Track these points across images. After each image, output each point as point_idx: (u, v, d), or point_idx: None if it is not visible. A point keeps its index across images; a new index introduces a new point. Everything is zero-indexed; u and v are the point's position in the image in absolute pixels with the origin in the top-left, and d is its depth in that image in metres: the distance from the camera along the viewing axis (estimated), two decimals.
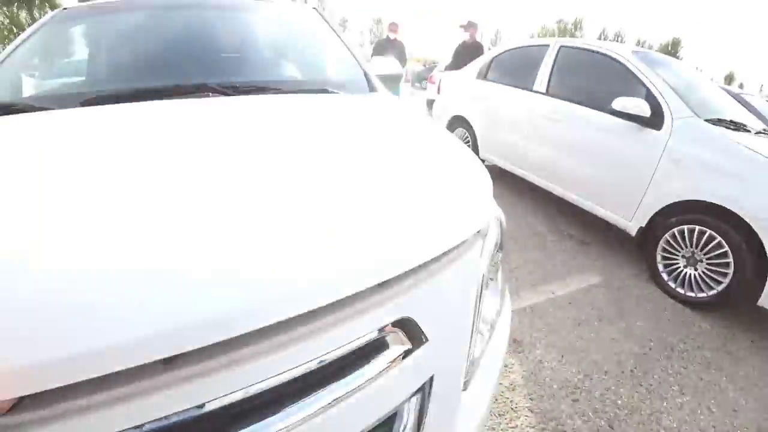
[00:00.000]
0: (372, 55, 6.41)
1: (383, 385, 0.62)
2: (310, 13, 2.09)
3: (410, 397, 0.67)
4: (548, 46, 3.62)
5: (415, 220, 0.74)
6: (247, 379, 0.51)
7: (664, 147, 2.49)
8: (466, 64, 4.68)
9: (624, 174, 2.73)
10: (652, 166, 2.54)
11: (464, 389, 0.78)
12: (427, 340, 0.67)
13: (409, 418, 0.67)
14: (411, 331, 0.66)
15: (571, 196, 3.18)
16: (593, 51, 3.25)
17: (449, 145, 1.11)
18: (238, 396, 0.51)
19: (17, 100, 1.30)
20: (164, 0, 1.89)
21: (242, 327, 0.51)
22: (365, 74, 1.69)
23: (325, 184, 0.79)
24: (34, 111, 1.15)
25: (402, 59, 6.51)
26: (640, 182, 2.61)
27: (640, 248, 2.78)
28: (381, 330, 0.63)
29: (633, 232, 2.69)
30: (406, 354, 0.65)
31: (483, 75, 4.34)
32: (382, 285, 0.63)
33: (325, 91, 1.47)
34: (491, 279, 0.94)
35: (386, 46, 6.41)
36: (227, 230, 0.62)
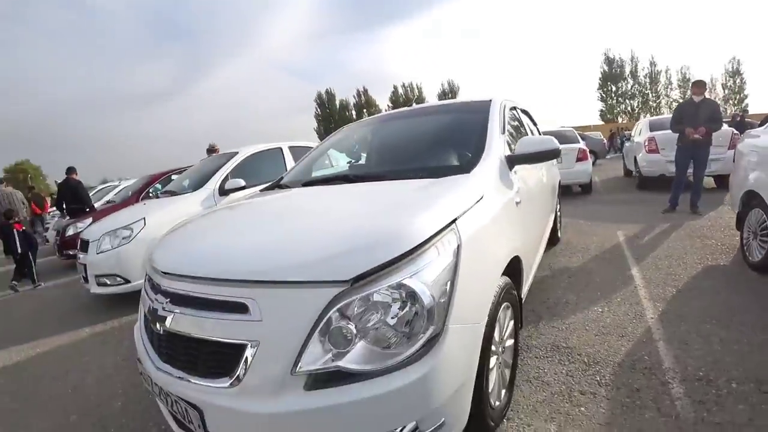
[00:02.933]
0: (671, 120, 5.58)
1: None
2: (480, 107, 2.45)
3: None
4: None
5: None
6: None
7: None
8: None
9: None
10: None
11: None
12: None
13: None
14: None
15: None
16: None
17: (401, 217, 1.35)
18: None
19: (304, 179, 2.46)
20: (386, 116, 3.21)
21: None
22: (478, 158, 1.92)
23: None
24: (312, 185, 2.26)
25: (714, 119, 5.19)
26: None
27: None
28: None
29: None
30: None
31: None
32: None
33: (420, 177, 1.82)
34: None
35: (688, 109, 5.39)
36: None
